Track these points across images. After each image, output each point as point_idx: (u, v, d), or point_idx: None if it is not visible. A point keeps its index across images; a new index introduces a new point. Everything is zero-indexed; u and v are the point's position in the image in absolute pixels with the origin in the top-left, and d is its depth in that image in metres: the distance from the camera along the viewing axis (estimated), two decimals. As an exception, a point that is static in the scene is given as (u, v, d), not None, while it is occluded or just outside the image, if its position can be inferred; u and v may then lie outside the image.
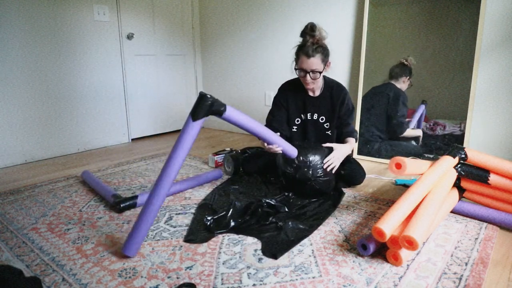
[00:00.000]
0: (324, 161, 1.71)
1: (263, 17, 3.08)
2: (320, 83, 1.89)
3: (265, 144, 1.66)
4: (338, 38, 2.66)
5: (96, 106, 2.88)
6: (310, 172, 1.68)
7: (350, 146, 1.88)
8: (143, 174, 2.19)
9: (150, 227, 1.31)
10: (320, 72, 1.78)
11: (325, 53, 1.76)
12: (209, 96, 1.27)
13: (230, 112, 1.34)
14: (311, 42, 1.74)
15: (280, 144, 1.63)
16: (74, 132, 2.76)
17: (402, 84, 2.33)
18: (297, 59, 1.80)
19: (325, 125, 1.96)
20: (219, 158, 2.30)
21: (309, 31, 1.74)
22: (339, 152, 1.78)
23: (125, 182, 2.04)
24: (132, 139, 3.21)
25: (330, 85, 1.93)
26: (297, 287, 1.07)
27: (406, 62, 2.29)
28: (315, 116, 1.95)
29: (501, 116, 2.11)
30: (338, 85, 1.95)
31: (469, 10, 2.08)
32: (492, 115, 2.13)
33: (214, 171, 2.04)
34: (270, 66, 3.12)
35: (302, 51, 1.76)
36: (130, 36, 3.00)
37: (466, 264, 1.19)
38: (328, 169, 1.72)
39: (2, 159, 2.40)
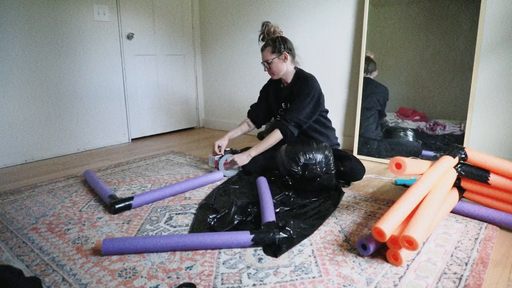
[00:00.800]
0: (228, 159, 2.02)
1: (263, 17, 3.08)
2: (285, 73, 2.06)
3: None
4: (338, 38, 2.66)
5: (96, 106, 2.88)
6: (318, 169, 1.72)
7: (260, 146, 2.04)
8: (143, 174, 2.19)
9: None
10: (269, 63, 2.01)
11: (274, 45, 2.00)
12: None
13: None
14: (263, 38, 2.05)
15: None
16: (74, 132, 2.76)
17: (375, 74, 2.44)
18: None
19: None
20: (219, 158, 2.30)
21: (261, 27, 2.04)
22: (239, 157, 2.04)
23: (125, 182, 2.04)
24: (132, 139, 3.21)
25: (299, 75, 2.07)
26: (297, 287, 1.07)
27: (371, 56, 2.44)
28: (288, 105, 2.10)
29: (501, 116, 2.11)
30: (306, 75, 2.06)
31: (469, 10, 2.08)
32: (492, 115, 2.13)
33: (215, 172, 2.03)
34: (270, 66, 3.12)
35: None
36: (130, 36, 3.00)
37: (466, 264, 1.19)
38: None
39: (2, 159, 2.40)
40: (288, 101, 2.10)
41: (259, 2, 3.09)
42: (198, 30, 3.62)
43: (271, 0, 3.00)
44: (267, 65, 2.03)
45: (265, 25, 2.02)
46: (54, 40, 2.57)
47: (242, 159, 2.04)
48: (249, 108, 2.32)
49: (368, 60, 2.44)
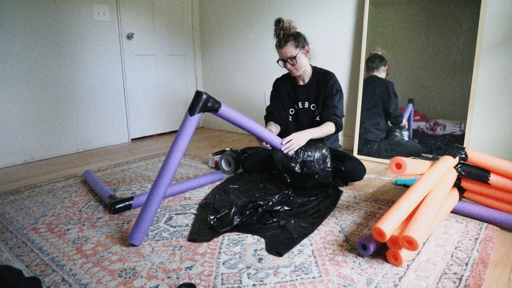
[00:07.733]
0: (283, 142, 1.75)
1: (263, 17, 3.08)
2: (305, 69, 1.98)
3: (263, 143, 1.80)
4: (338, 38, 2.66)
5: (96, 106, 2.88)
6: (317, 165, 1.77)
7: (317, 130, 1.86)
8: (143, 174, 2.19)
9: (154, 217, 1.36)
10: (295, 57, 1.89)
11: (297, 39, 1.89)
12: (204, 93, 1.43)
13: (224, 109, 1.51)
14: (281, 34, 1.90)
15: (268, 140, 1.74)
16: (74, 132, 2.76)
17: (382, 73, 2.40)
18: (278, 53, 1.95)
19: (315, 112, 2.03)
20: (219, 158, 2.30)
21: (276, 24, 1.91)
22: (298, 135, 1.80)
23: (125, 182, 2.04)
24: (132, 139, 3.21)
25: (318, 72, 2.03)
26: (297, 287, 1.07)
27: (380, 53, 2.39)
28: (306, 104, 2.05)
29: (501, 116, 2.11)
30: (326, 71, 2.03)
31: (469, 10, 2.08)
32: (492, 115, 2.13)
33: (215, 173, 2.03)
34: (270, 66, 3.12)
35: (276, 45, 1.93)
36: (130, 36, 3.00)
37: (466, 264, 1.19)
38: (285, 151, 1.76)
39: (2, 159, 2.40)
40: (309, 100, 2.02)
41: (259, 2, 3.09)
42: (198, 30, 3.62)
43: (271, 1, 3.00)
44: (293, 60, 1.90)
45: (281, 21, 1.89)
46: (54, 40, 2.57)
47: (301, 139, 1.79)
48: (266, 113, 2.13)
49: (374, 57, 2.40)
